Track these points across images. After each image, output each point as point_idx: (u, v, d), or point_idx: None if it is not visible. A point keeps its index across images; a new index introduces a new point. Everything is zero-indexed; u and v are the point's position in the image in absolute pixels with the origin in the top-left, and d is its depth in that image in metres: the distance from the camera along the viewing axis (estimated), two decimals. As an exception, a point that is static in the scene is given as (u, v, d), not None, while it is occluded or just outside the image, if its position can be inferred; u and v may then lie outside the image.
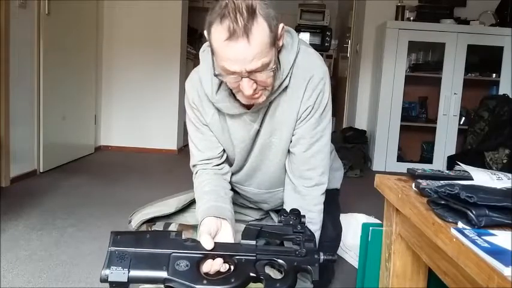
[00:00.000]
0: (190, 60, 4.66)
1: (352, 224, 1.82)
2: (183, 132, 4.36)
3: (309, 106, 1.17)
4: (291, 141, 1.23)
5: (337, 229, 1.44)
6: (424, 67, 4.04)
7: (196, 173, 1.28)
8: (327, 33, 5.64)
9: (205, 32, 1.01)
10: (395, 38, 3.78)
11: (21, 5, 2.77)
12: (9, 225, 2.04)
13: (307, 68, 1.16)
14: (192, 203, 1.37)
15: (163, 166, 3.71)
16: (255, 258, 0.85)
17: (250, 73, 0.98)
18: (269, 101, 1.16)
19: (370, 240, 1.23)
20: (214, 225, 1.03)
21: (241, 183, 1.37)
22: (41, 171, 3.09)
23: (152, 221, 1.38)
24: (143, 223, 1.37)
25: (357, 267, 1.58)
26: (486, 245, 0.62)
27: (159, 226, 1.38)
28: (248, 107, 1.15)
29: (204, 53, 1.21)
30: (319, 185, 1.24)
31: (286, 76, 1.13)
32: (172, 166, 3.70)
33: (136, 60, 4.08)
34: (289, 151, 1.25)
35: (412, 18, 3.93)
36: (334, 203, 1.47)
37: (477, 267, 0.60)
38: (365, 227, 1.25)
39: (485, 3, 4.06)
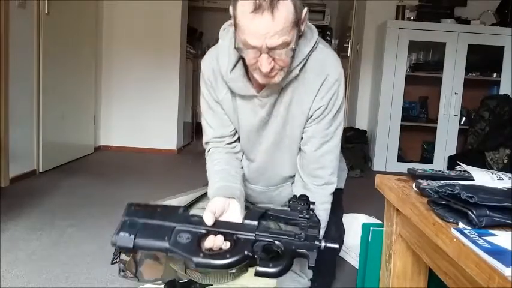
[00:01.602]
0: (190, 60, 4.66)
1: (353, 225, 1.81)
2: (183, 132, 4.36)
3: (322, 106, 1.18)
4: (301, 139, 1.23)
5: (340, 230, 1.44)
6: (425, 67, 4.03)
7: (209, 150, 1.30)
8: (327, 32, 5.63)
9: (230, 7, 1.03)
10: (395, 38, 3.77)
11: (21, 5, 2.77)
12: (9, 225, 2.04)
13: (322, 66, 1.17)
14: (193, 203, 1.36)
15: (163, 166, 3.70)
16: (254, 238, 0.86)
17: (270, 49, 0.99)
18: (280, 87, 1.16)
19: (371, 240, 1.23)
20: (221, 205, 1.03)
21: (249, 181, 1.37)
22: (41, 171, 3.08)
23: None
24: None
25: (357, 267, 1.58)
26: (487, 245, 0.62)
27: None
28: (260, 89, 1.16)
29: (224, 31, 1.22)
30: (329, 184, 1.25)
31: (297, 65, 1.13)
32: (172, 166, 3.70)
33: (136, 60, 4.07)
34: (300, 149, 1.26)
35: (412, 18, 3.92)
36: (337, 204, 1.47)
37: (478, 268, 0.59)
38: (365, 227, 1.25)
39: (486, 2, 4.06)
